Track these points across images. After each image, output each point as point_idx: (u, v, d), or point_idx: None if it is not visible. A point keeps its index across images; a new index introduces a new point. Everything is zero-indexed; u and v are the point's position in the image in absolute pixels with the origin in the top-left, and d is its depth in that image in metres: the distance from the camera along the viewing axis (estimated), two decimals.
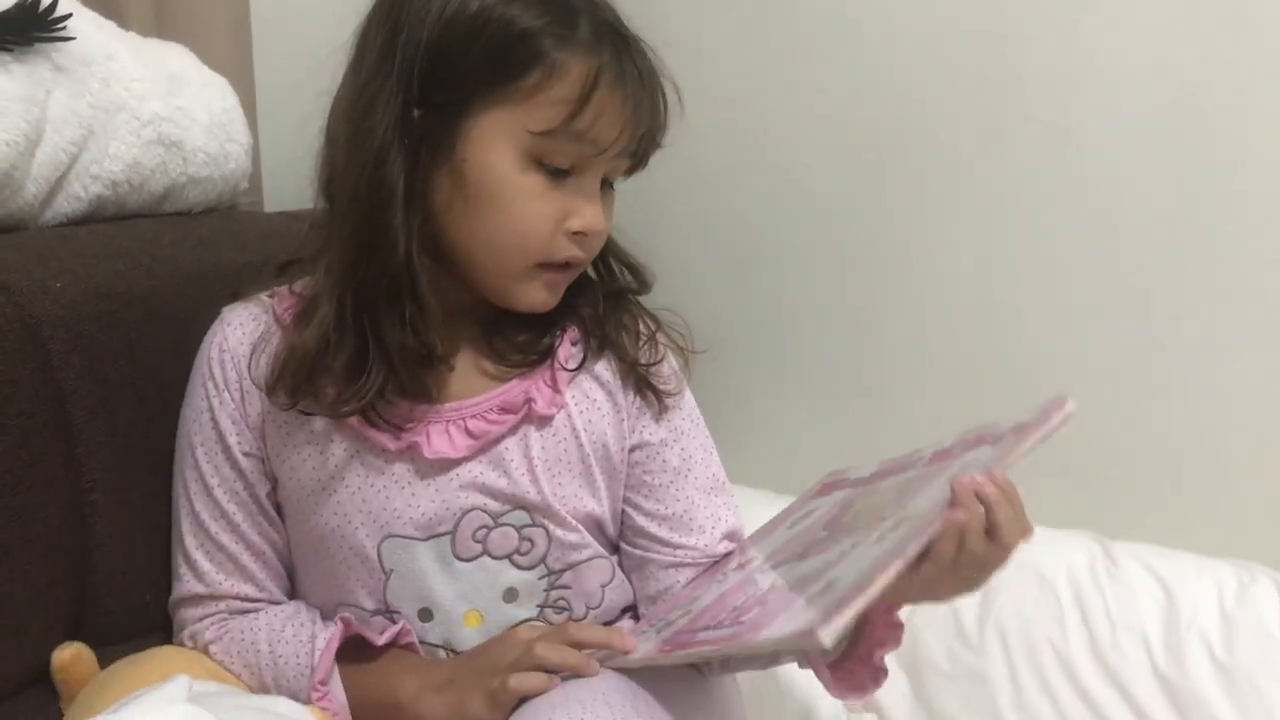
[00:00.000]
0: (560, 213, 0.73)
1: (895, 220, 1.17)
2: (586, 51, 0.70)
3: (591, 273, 0.82)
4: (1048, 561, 1.06)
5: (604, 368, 0.80)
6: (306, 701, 0.72)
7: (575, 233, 0.74)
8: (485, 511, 0.76)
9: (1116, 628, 1.02)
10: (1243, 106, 1.00)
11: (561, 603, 0.78)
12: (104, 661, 0.74)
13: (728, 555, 0.80)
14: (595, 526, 0.80)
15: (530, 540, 0.77)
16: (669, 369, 0.82)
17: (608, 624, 0.80)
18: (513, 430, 0.76)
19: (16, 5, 0.77)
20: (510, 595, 0.77)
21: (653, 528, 0.80)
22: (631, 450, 0.80)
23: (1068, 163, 1.07)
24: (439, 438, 0.75)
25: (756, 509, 1.06)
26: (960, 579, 0.64)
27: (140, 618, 0.81)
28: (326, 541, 0.76)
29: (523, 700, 0.66)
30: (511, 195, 0.71)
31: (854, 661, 0.74)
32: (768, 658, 0.77)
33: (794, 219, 1.23)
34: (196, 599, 0.78)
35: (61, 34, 0.79)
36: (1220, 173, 1.01)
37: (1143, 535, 1.08)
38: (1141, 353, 1.07)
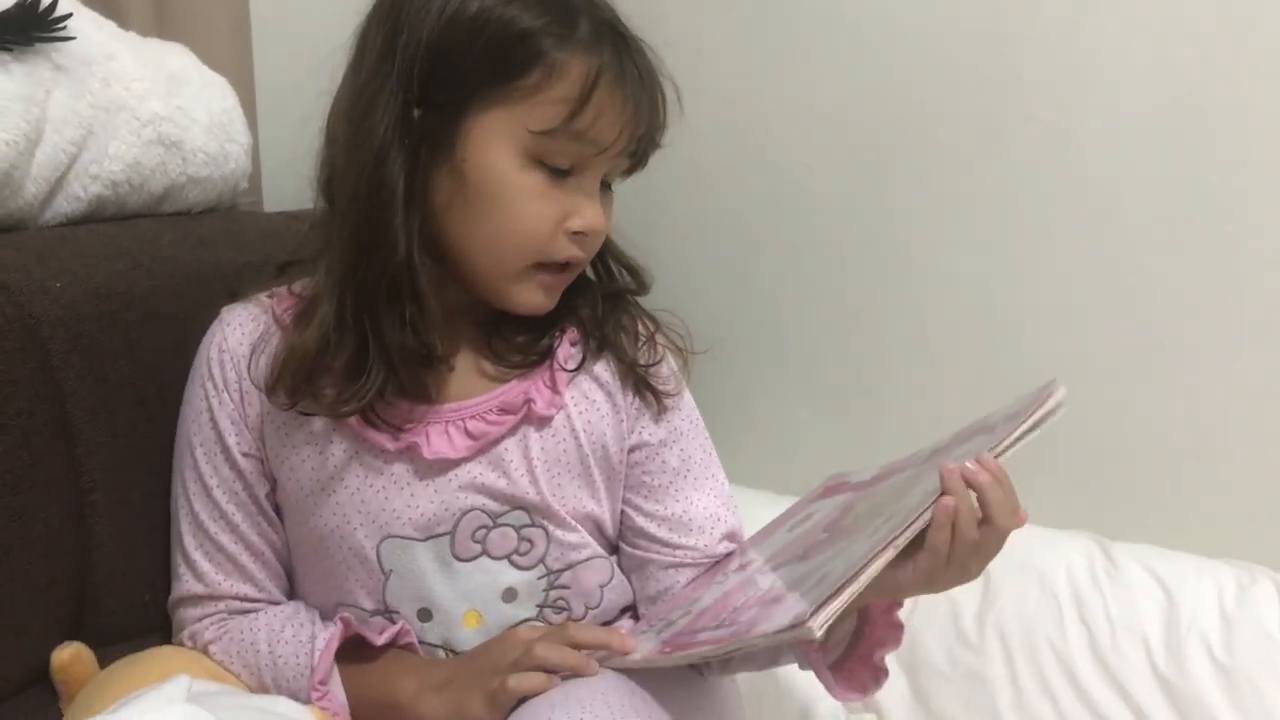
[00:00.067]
0: (560, 212, 0.73)
1: (895, 220, 1.17)
2: (586, 51, 0.70)
3: (590, 273, 0.82)
4: (1048, 562, 1.06)
5: (603, 369, 0.80)
6: (306, 701, 0.72)
7: (575, 233, 0.74)
8: (484, 512, 0.76)
9: (1116, 628, 1.02)
10: (1243, 107, 1.00)
11: (560, 603, 0.78)
12: (103, 661, 0.74)
13: (728, 556, 0.80)
14: (594, 527, 0.80)
15: (529, 540, 0.77)
16: (668, 370, 0.82)
17: (607, 624, 0.80)
18: (512, 431, 0.76)
19: (16, 5, 0.77)
20: (509, 595, 0.77)
21: (652, 528, 0.80)
22: (630, 451, 0.80)
23: (1068, 163, 1.07)
24: (438, 438, 0.75)
25: (756, 509, 1.06)
26: (957, 567, 0.65)
27: (140, 618, 0.81)
28: (325, 542, 0.76)
29: (522, 700, 0.66)
30: (511, 195, 0.71)
31: (854, 661, 0.74)
32: (768, 657, 0.77)
33: (794, 219, 1.23)
34: (196, 599, 0.78)
35: (61, 34, 0.79)
36: (1220, 173, 1.01)
37: (1142, 536, 1.08)
38: (1141, 353, 1.07)
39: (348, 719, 0.74)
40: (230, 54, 1.06)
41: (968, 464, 0.63)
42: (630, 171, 0.78)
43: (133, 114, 0.86)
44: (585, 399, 0.79)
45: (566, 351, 0.79)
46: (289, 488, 0.77)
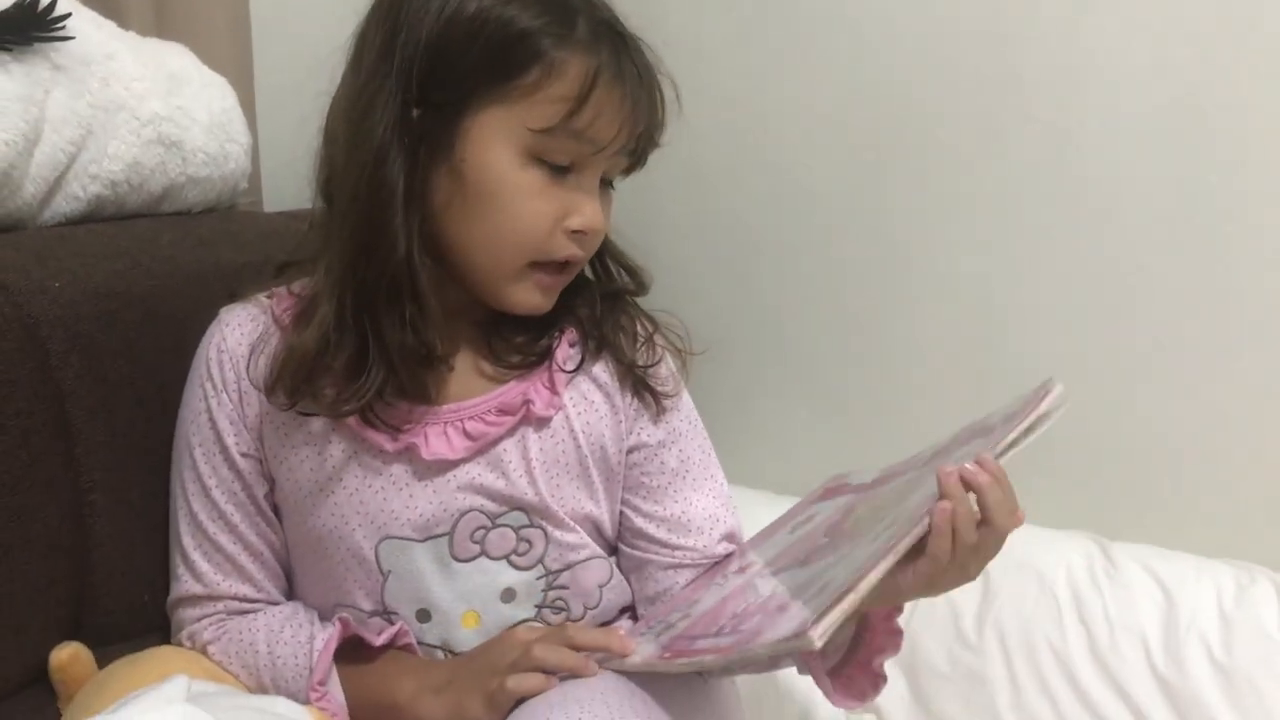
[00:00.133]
0: (559, 211, 0.73)
1: (895, 220, 1.17)
2: (585, 50, 0.70)
3: (589, 273, 0.82)
4: (1047, 562, 1.06)
5: (602, 369, 0.80)
6: (305, 702, 0.72)
7: (574, 231, 0.74)
8: (483, 512, 0.76)
9: (1115, 629, 1.01)
10: (1243, 107, 1.00)
11: (559, 603, 0.78)
12: (102, 661, 0.74)
13: (728, 557, 0.80)
14: (593, 527, 0.80)
15: (528, 541, 0.77)
16: (666, 370, 0.82)
17: (605, 624, 0.81)
18: (511, 432, 0.76)
19: (15, 5, 0.77)
20: (508, 596, 0.77)
21: (651, 529, 0.80)
22: (629, 452, 0.80)
23: (1068, 163, 1.07)
24: (437, 439, 0.75)
25: (755, 510, 1.06)
26: (957, 569, 0.65)
27: (139, 617, 0.81)
28: (324, 542, 0.76)
29: (520, 701, 0.66)
30: (511, 193, 0.71)
31: (853, 668, 0.74)
32: (767, 662, 0.77)
33: (793, 219, 1.22)
34: (194, 599, 0.78)
35: (61, 33, 0.79)
36: (1220, 173, 1.01)
37: (1142, 536, 1.08)
38: (1141, 353, 1.07)
39: (346, 719, 0.74)
40: (230, 54, 1.06)
41: (966, 465, 0.63)
42: (629, 170, 0.78)
43: (132, 114, 0.86)
44: (584, 400, 0.79)
45: (565, 352, 0.79)
46: (287, 488, 0.77)
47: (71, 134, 0.81)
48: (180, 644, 0.79)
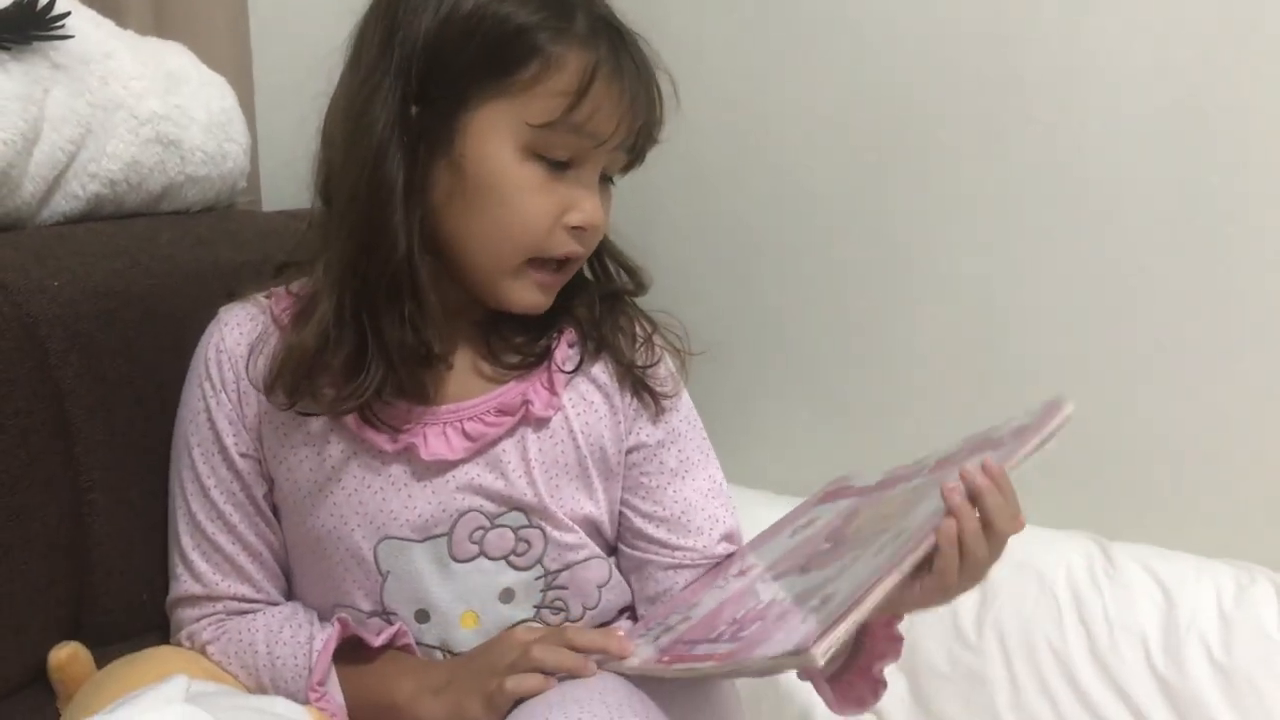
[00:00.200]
0: (559, 206, 0.73)
1: (895, 221, 1.17)
2: (583, 45, 0.70)
3: (588, 273, 0.82)
4: (1046, 562, 1.05)
5: (601, 370, 0.80)
6: (304, 702, 0.72)
7: (574, 227, 0.73)
8: (482, 513, 0.76)
9: (1115, 629, 1.01)
10: (1244, 108, 0.99)
11: (558, 603, 0.78)
12: (101, 661, 0.74)
13: (729, 559, 0.80)
14: (592, 528, 0.80)
15: (527, 541, 0.76)
16: (665, 371, 0.82)
17: (605, 624, 0.81)
18: (510, 432, 0.76)
19: (14, 3, 0.76)
20: (507, 596, 0.77)
21: (650, 529, 0.80)
22: (629, 452, 0.80)
23: (1069, 164, 1.07)
24: (436, 440, 0.75)
25: (755, 510, 1.06)
26: (964, 580, 0.64)
27: (138, 617, 0.81)
28: (323, 543, 0.76)
29: (519, 701, 0.66)
30: (511, 188, 0.71)
31: (853, 674, 0.74)
32: (765, 672, 0.77)
33: (794, 220, 1.22)
34: (193, 599, 0.78)
35: (59, 32, 0.79)
36: (1221, 174, 1.01)
37: (1142, 536, 1.08)
38: (1142, 353, 1.07)
39: (345, 719, 0.74)
40: (229, 53, 1.06)
41: (968, 468, 0.62)
42: (628, 167, 0.78)
43: (131, 113, 0.86)
44: (583, 400, 0.79)
45: (564, 353, 0.79)
46: (286, 488, 0.77)
47: (70, 133, 0.81)
48: (179, 644, 0.79)
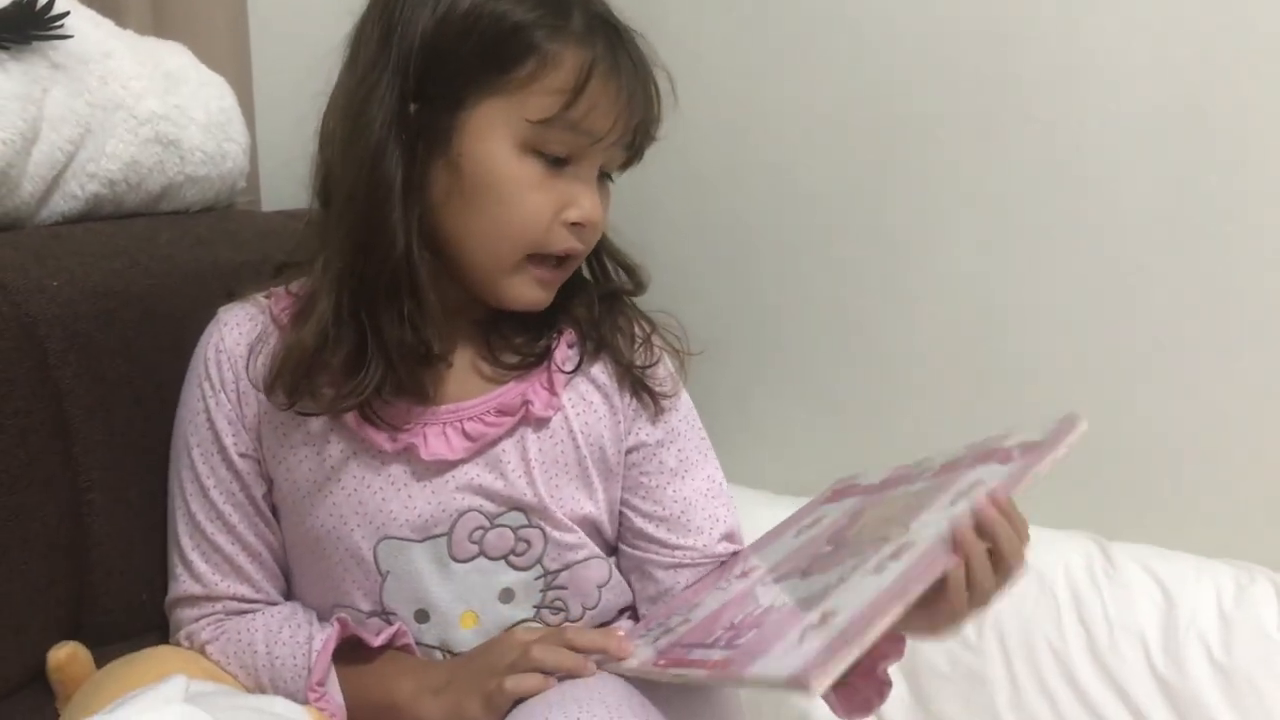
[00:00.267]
0: (558, 203, 0.73)
1: (894, 220, 1.17)
2: (580, 42, 0.70)
3: (586, 273, 0.82)
4: (1046, 562, 1.05)
5: (600, 370, 0.80)
6: (303, 702, 0.72)
7: (573, 224, 0.74)
8: (481, 513, 0.76)
9: (1115, 629, 1.01)
10: (1243, 107, 0.99)
11: (558, 603, 0.78)
12: (101, 661, 0.74)
13: (733, 559, 0.80)
14: (592, 528, 0.80)
15: (526, 541, 0.76)
16: (664, 370, 0.82)
17: (605, 624, 0.81)
18: (510, 432, 0.76)
19: (14, 3, 0.76)
20: (506, 596, 0.77)
21: (650, 529, 0.80)
22: (628, 452, 0.80)
23: (1068, 163, 1.07)
24: (436, 440, 0.75)
25: (755, 509, 1.06)
26: (971, 609, 0.64)
27: (137, 617, 0.81)
28: (322, 543, 0.76)
29: (519, 701, 0.66)
30: (509, 185, 0.72)
31: (857, 676, 0.73)
32: (757, 687, 0.77)
33: (792, 219, 1.22)
34: (193, 599, 0.78)
35: (59, 32, 0.79)
36: (1220, 173, 1.01)
37: (1141, 536, 1.08)
38: (1141, 353, 1.07)
39: (344, 719, 0.74)
40: (228, 53, 1.06)
41: (980, 500, 0.61)
42: (626, 165, 0.78)
43: (130, 112, 0.86)
44: (582, 400, 0.79)
45: (564, 353, 0.79)
46: (286, 488, 0.77)
47: (70, 133, 0.81)
48: (178, 644, 0.79)
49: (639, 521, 0.80)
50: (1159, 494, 1.09)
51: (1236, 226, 1.02)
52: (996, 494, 0.62)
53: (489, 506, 0.76)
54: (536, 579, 0.77)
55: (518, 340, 0.79)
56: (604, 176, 0.77)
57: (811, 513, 0.81)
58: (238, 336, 0.77)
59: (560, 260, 0.76)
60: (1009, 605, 1.05)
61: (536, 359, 0.78)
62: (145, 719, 0.59)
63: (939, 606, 0.62)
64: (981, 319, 1.14)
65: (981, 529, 0.62)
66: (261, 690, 0.76)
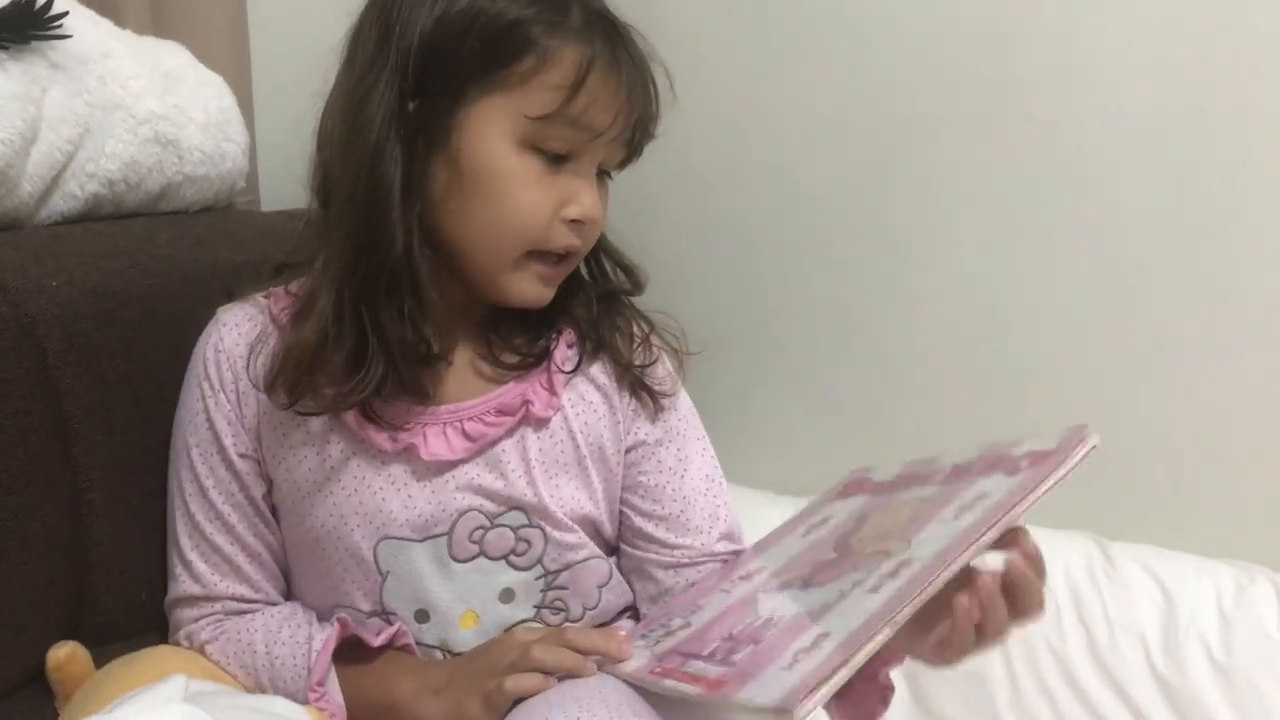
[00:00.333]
0: (557, 200, 0.73)
1: (894, 221, 1.17)
2: (578, 39, 0.71)
3: (585, 273, 0.82)
4: (1046, 562, 1.05)
5: (599, 370, 0.80)
6: (303, 702, 0.72)
7: (573, 221, 0.74)
8: (481, 513, 0.76)
9: (1115, 629, 1.01)
10: (1243, 107, 0.99)
11: (558, 603, 0.78)
12: (100, 661, 0.74)
13: (738, 559, 0.80)
14: (592, 528, 0.79)
15: (527, 541, 0.76)
16: (663, 370, 0.82)
17: (605, 624, 0.80)
18: (510, 433, 0.76)
19: (12, 3, 0.76)
20: (507, 596, 0.77)
21: (650, 528, 0.80)
22: (627, 451, 0.80)
23: (1068, 164, 1.07)
24: (436, 440, 0.75)
25: (754, 509, 1.06)
26: (979, 649, 0.64)
27: (137, 616, 0.81)
28: (322, 543, 0.76)
29: (519, 701, 0.66)
30: (508, 181, 0.72)
31: (861, 682, 0.72)
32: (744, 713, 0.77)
33: (793, 219, 1.22)
34: (192, 600, 0.78)
35: (58, 32, 0.79)
36: (1221, 173, 1.01)
37: (1141, 536, 1.08)
38: (1141, 353, 1.07)
39: (344, 719, 0.74)
40: (227, 53, 1.06)
41: (1012, 560, 0.61)
42: (625, 162, 0.78)
43: (129, 112, 0.86)
44: (582, 400, 0.79)
45: (563, 353, 0.79)
46: (285, 488, 0.77)
47: (69, 132, 0.81)
48: (178, 644, 0.79)
49: (638, 521, 0.80)
50: (1159, 494, 1.09)
51: (1237, 227, 1.02)
52: (1025, 543, 0.61)
53: (489, 506, 0.76)
54: (537, 579, 0.77)
55: (517, 340, 0.79)
56: (603, 174, 0.77)
57: (821, 509, 0.80)
58: (237, 336, 0.77)
59: (561, 257, 0.76)
60: None
61: (536, 359, 0.78)
62: (145, 718, 0.59)
63: (949, 639, 0.62)
64: (982, 319, 1.14)
65: (1009, 586, 0.61)
66: (261, 690, 0.75)
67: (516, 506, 0.76)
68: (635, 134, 0.75)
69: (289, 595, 0.81)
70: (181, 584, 0.78)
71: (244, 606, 0.78)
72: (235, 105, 0.99)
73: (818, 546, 0.72)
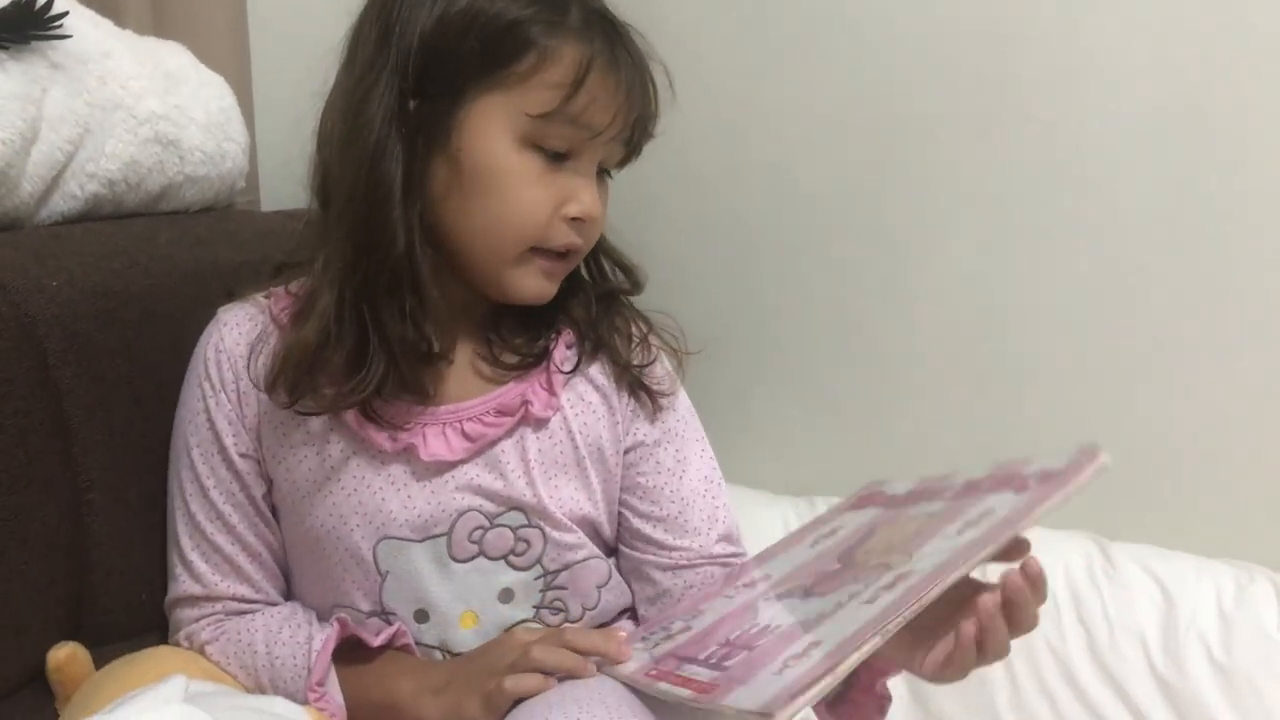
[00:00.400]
0: (557, 198, 0.73)
1: (894, 220, 1.17)
2: (578, 38, 0.71)
3: (584, 273, 0.82)
4: (1046, 562, 1.03)
5: (598, 371, 0.80)
6: (303, 702, 0.72)
7: (573, 219, 0.74)
8: (481, 513, 0.76)
9: (1114, 629, 1.01)
10: (1243, 107, 0.99)
11: (557, 604, 0.78)
12: (100, 661, 0.74)
13: (744, 565, 0.79)
14: (591, 528, 0.80)
15: (526, 541, 0.76)
16: (662, 370, 0.82)
17: (604, 625, 0.80)
18: (509, 433, 0.76)
19: (13, 3, 0.76)
20: (506, 596, 0.77)
21: (648, 529, 0.80)
22: (626, 452, 0.80)
23: (1068, 163, 1.07)
24: (435, 440, 0.75)
25: (753, 509, 1.06)
26: (979, 665, 0.64)
27: (137, 617, 0.81)
28: (322, 543, 0.76)
29: (519, 701, 0.66)
30: (508, 179, 0.72)
31: (857, 692, 0.72)
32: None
33: (793, 219, 1.22)
34: (192, 600, 0.78)
35: (58, 32, 0.79)
36: (1220, 173, 1.01)
37: (1141, 536, 1.07)
38: (1141, 353, 1.07)
39: (344, 719, 0.74)
40: (227, 53, 1.06)
41: (1013, 579, 0.61)
42: (625, 161, 0.78)
43: (129, 112, 0.86)
44: (581, 401, 0.79)
45: (562, 354, 0.79)
46: (285, 488, 0.77)
47: (69, 133, 0.81)
48: (178, 644, 0.79)
49: (636, 522, 0.80)
50: (1159, 494, 1.09)
51: (1236, 226, 1.02)
52: (1029, 567, 0.61)
53: (488, 506, 0.76)
54: (536, 579, 0.77)
55: (517, 341, 0.79)
56: (603, 173, 0.77)
57: (833, 520, 0.79)
58: (238, 336, 0.77)
59: (562, 254, 0.76)
60: None
61: (535, 359, 0.78)
62: (145, 719, 0.59)
63: (952, 658, 0.62)
64: (981, 319, 1.14)
65: (1007, 604, 0.61)
66: (261, 690, 0.75)
67: (516, 507, 0.76)
68: (634, 133, 0.75)
69: (289, 595, 0.81)
70: (182, 584, 0.78)
71: (244, 607, 0.78)
72: (235, 105, 0.99)
73: (823, 558, 0.72)
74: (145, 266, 0.83)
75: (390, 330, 0.71)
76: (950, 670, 0.63)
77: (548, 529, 0.77)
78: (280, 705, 0.69)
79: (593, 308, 0.80)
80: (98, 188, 0.85)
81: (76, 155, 0.82)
